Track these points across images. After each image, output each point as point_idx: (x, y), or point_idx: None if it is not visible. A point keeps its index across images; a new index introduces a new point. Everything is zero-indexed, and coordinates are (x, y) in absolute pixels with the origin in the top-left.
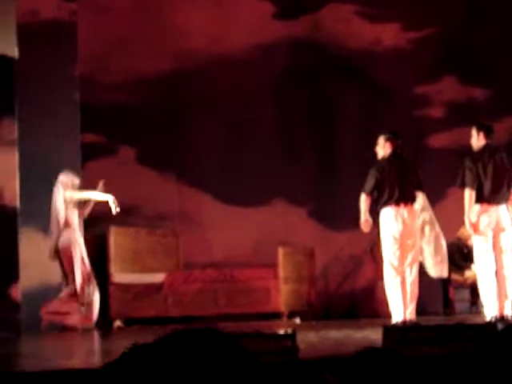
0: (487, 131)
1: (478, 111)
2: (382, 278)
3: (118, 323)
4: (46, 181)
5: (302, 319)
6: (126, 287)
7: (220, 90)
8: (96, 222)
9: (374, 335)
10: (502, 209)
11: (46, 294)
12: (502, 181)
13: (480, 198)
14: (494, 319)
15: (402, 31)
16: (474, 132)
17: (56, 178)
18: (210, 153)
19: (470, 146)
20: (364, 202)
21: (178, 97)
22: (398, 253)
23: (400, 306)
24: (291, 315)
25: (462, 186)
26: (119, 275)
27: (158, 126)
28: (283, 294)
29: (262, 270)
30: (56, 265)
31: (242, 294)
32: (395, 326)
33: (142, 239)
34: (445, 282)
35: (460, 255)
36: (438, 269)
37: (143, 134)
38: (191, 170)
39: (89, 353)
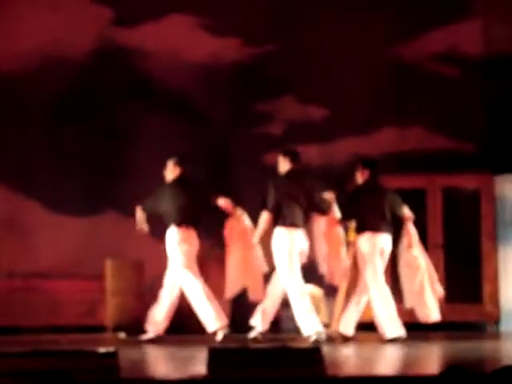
0: (293, 156)
1: (315, 130)
2: None
3: None
4: None
5: (129, 334)
6: None
7: (54, 95)
8: None
9: (198, 355)
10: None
11: None
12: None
13: (282, 222)
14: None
15: (242, 46)
16: (280, 157)
17: None
18: (37, 159)
19: (304, 166)
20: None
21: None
22: None
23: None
24: (117, 329)
25: (264, 207)
26: None
27: None
28: (110, 307)
29: (88, 282)
30: None
31: (67, 305)
32: (222, 349)
33: None
34: None
35: None
36: None
37: None
38: (18, 175)
39: None
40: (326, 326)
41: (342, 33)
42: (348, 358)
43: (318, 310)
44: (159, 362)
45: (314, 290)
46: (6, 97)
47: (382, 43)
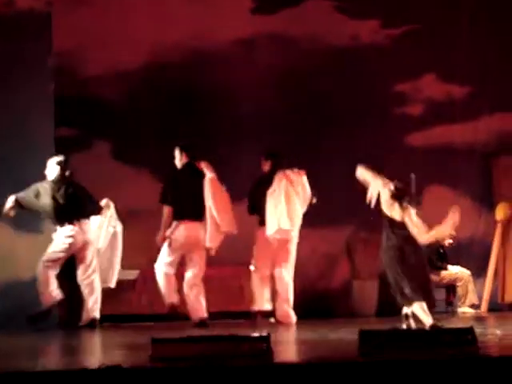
0: (188, 150)
1: (457, 109)
2: (356, 277)
3: None
4: (19, 175)
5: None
6: None
7: (198, 84)
8: None
9: (349, 337)
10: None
11: (18, 289)
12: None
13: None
14: None
15: (380, 28)
16: (176, 152)
17: (30, 172)
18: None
19: (447, 145)
20: None
21: (154, 91)
22: None
23: None
24: (266, 315)
25: (163, 202)
26: None
27: (133, 121)
28: None
29: (237, 269)
30: (27, 260)
31: (216, 292)
32: (373, 331)
33: None
34: None
35: (436, 255)
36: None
37: (118, 128)
38: (167, 166)
39: (56, 352)
40: (475, 306)
41: (483, 7)
42: (499, 339)
43: (466, 291)
44: (309, 345)
45: (462, 271)
46: (155, 88)
47: None
